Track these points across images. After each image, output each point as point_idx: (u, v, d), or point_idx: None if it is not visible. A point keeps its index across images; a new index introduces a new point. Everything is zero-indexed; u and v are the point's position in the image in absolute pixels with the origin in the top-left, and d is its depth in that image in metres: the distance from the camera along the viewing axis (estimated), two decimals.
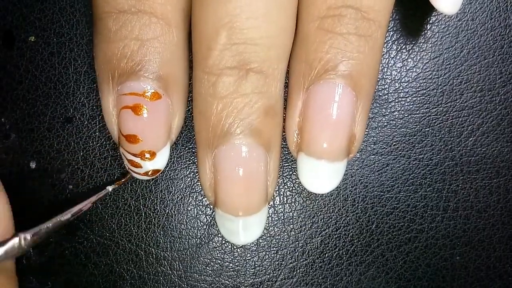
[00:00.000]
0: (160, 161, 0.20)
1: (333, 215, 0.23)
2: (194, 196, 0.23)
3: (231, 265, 0.23)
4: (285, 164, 0.23)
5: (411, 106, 0.23)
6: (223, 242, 0.23)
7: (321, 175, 0.20)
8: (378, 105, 0.23)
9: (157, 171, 0.20)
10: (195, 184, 0.23)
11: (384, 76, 0.23)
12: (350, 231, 0.23)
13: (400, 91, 0.23)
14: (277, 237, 0.23)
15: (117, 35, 0.19)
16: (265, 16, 0.18)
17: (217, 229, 0.23)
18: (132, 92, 0.19)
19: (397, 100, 0.23)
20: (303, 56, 0.19)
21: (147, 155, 0.20)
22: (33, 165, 0.23)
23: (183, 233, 0.23)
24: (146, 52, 0.19)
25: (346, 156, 0.20)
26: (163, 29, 0.19)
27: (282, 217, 0.23)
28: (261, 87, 0.19)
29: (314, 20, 0.19)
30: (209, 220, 0.23)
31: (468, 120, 0.23)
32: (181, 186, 0.23)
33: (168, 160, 0.23)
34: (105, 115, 0.20)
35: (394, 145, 0.23)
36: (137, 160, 0.20)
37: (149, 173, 0.20)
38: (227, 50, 0.18)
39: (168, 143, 0.20)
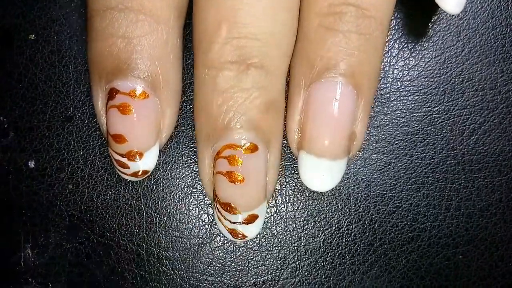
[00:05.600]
0: (148, 162, 0.19)
1: (335, 214, 0.22)
2: (196, 196, 0.22)
3: (233, 264, 0.22)
4: (287, 163, 0.22)
5: (412, 105, 0.22)
6: (225, 241, 0.22)
7: (322, 173, 0.19)
8: (379, 103, 0.22)
9: (146, 172, 0.19)
10: (196, 183, 0.22)
11: (385, 74, 0.22)
12: (353, 230, 0.22)
13: (401, 89, 0.22)
14: (279, 237, 0.22)
15: (104, 33, 0.18)
16: (267, 12, 0.18)
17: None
18: (119, 91, 0.18)
19: (398, 99, 0.22)
20: (304, 54, 0.19)
21: (133, 155, 0.19)
22: (31, 164, 0.22)
23: (185, 232, 0.22)
24: (133, 50, 0.18)
25: (346, 154, 0.19)
26: (151, 27, 0.18)
27: (284, 216, 0.22)
28: (262, 82, 0.18)
29: (315, 17, 0.18)
30: (210, 220, 0.22)
31: (470, 119, 0.22)
32: (183, 186, 0.22)
33: (169, 159, 0.22)
34: (96, 114, 0.20)
35: (396, 143, 0.22)
36: (124, 160, 0.19)
37: (138, 174, 0.19)
38: (228, 44, 0.18)
39: (157, 143, 0.19)
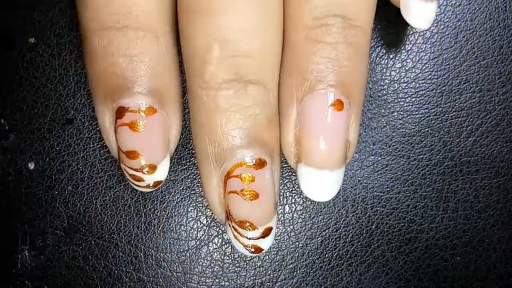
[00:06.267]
0: (161, 173, 0.19)
1: (333, 216, 0.22)
2: (194, 198, 0.22)
3: (231, 266, 0.22)
4: (284, 165, 0.22)
5: (410, 107, 0.22)
6: (223, 243, 0.22)
7: (324, 184, 0.19)
8: (377, 105, 0.22)
9: (159, 182, 0.20)
10: (195, 186, 0.22)
11: (383, 76, 0.22)
12: (350, 231, 0.22)
13: (399, 91, 0.22)
14: (277, 238, 0.22)
15: (104, 53, 0.18)
16: (255, 29, 0.18)
17: (217, 230, 0.22)
18: (128, 109, 0.18)
19: (396, 101, 0.22)
20: (294, 68, 0.19)
21: (148, 169, 0.19)
22: (31, 166, 0.22)
23: (183, 234, 0.22)
24: (136, 67, 0.18)
25: (344, 162, 0.19)
26: (151, 42, 0.18)
27: (282, 218, 0.22)
28: (261, 98, 0.18)
29: (301, 30, 0.18)
30: (209, 222, 0.22)
31: (467, 120, 0.22)
32: (181, 188, 0.22)
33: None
34: (103, 133, 0.20)
35: (393, 145, 0.22)
36: (139, 174, 0.19)
37: (151, 185, 0.20)
38: (222, 64, 0.18)
39: (167, 154, 0.20)
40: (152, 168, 0.19)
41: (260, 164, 0.18)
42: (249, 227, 0.19)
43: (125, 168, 0.19)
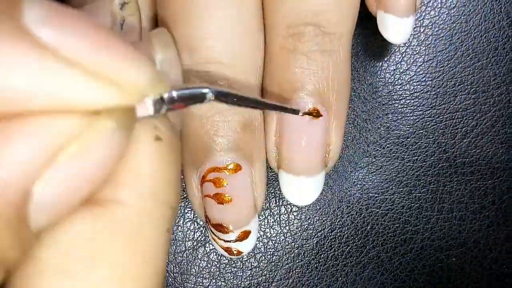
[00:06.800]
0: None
1: (328, 217, 0.22)
2: None
3: (227, 267, 0.22)
4: None
5: (404, 109, 0.22)
6: None
7: (302, 189, 0.19)
8: (371, 107, 0.22)
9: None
10: None
11: (377, 79, 0.22)
12: (345, 232, 0.22)
13: (393, 93, 0.22)
14: (273, 239, 0.22)
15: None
16: (224, 34, 0.17)
17: None
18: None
19: (390, 103, 0.22)
20: (272, 77, 0.19)
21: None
22: None
23: (180, 235, 0.22)
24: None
25: (323, 168, 0.19)
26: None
27: (277, 219, 0.22)
28: None
29: (276, 40, 0.18)
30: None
31: (462, 122, 0.22)
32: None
33: None
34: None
35: (388, 147, 0.22)
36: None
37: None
38: (192, 71, 0.17)
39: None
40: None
41: (234, 169, 0.18)
42: (224, 230, 0.19)
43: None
